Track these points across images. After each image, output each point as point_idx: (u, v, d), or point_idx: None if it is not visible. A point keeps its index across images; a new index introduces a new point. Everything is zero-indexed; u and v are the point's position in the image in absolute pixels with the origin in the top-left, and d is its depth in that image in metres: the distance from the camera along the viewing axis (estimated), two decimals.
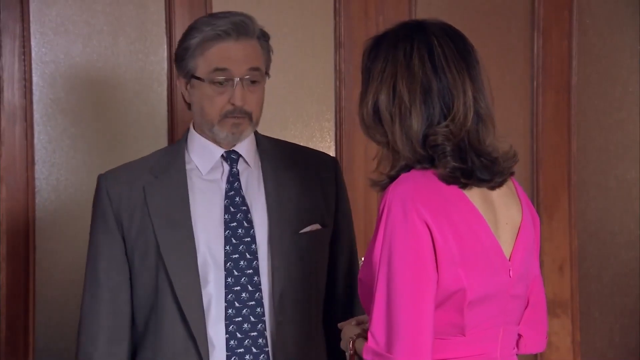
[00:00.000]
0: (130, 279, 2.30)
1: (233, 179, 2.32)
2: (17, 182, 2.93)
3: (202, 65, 2.27)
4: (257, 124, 2.33)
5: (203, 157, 2.33)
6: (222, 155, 2.33)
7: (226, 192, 2.31)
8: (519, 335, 1.99)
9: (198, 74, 2.28)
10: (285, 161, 2.38)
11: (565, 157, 3.41)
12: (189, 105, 2.36)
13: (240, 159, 2.34)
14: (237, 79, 2.25)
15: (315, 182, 2.39)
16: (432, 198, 1.81)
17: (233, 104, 2.26)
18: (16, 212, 2.93)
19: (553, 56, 3.39)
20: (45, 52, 2.97)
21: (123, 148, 3.01)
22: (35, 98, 2.95)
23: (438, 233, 1.79)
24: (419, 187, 1.82)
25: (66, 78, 2.98)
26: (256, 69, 2.28)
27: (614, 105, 3.48)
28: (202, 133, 2.33)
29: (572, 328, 3.42)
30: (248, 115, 2.29)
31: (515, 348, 1.98)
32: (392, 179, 1.86)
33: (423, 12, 3.21)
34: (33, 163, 2.95)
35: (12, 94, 2.93)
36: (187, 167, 2.33)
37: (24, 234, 2.94)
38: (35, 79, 2.96)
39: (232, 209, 2.30)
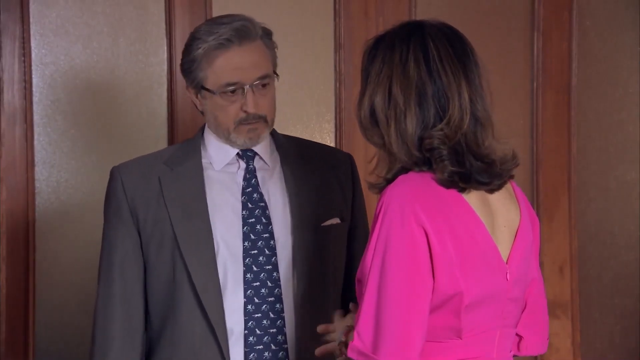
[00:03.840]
0: (145, 272, 2.30)
1: (250, 175, 2.32)
2: (17, 183, 2.94)
3: (211, 77, 2.27)
4: (272, 124, 2.33)
5: (219, 154, 2.33)
6: (238, 153, 2.33)
7: (243, 189, 2.31)
8: (520, 337, 1.99)
9: (207, 86, 2.27)
10: (303, 157, 2.38)
11: (565, 158, 3.41)
12: (202, 112, 2.36)
13: (257, 157, 2.34)
14: (247, 87, 2.25)
15: (333, 177, 2.40)
16: (429, 201, 1.81)
17: (246, 112, 2.26)
18: (16, 213, 2.93)
19: (553, 57, 3.38)
20: (45, 53, 2.97)
21: (123, 149, 3.01)
22: (35, 99, 2.96)
23: (435, 236, 1.79)
24: (417, 190, 1.82)
25: (66, 79, 2.98)
26: (265, 76, 2.28)
27: (614, 106, 3.47)
28: (217, 135, 2.34)
29: (572, 329, 3.42)
30: (262, 119, 2.29)
31: (513, 350, 1.98)
32: (389, 181, 1.85)
33: (423, 13, 3.21)
34: (33, 164, 2.95)
35: (12, 96, 2.93)
36: (203, 160, 2.33)
37: (23, 235, 2.94)
38: (35, 80, 2.96)
39: (250, 205, 2.30)
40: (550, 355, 3.39)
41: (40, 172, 2.97)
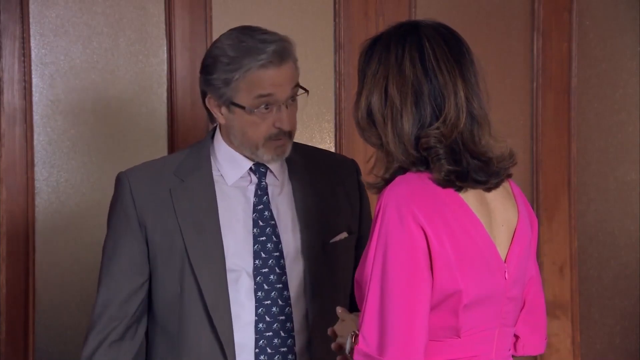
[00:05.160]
0: (150, 282, 2.27)
1: (262, 192, 2.30)
2: (16, 183, 2.94)
3: (244, 95, 2.21)
4: (293, 137, 2.31)
5: (231, 167, 2.29)
6: (251, 168, 2.30)
7: (254, 206, 2.28)
8: (517, 337, 1.99)
9: (240, 102, 2.22)
10: (310, 169, 2.35)
11: (565, 159, 3.41)
12: (211, 119, 2.31)
13: (268, 172, 2.31)
14: (282, 104, 2.22)
15: (340, 189, 2.37)
16: (427, 201, 1.81)
17: (278, 128, 2.23)
18: (16, 213, 2.93)
19: (553, 58, 3.38)
20: (45, 53, 2.98)
21: (123, 149, 3.01)
22: (35, 99, 2.96)
23: (433, 236, 1.79)
24: (414, 190, 1.82)
25: (66, 79, 2.99)
26: (296, 85, 2.26)
27: (614, 107, 3.48)
28: (231, 145, 2.29)
29: (572, 330, 3.42)
30: (289, 134, 2.26)
31: (511, 349, 1.98)
32: (387, 181, 1.86)
33: (423, 14, 3.21)
34: (33, 164, 2.95)
35: (12, 96, 2.94)
36: (214, 172, 2.29)
37: (23, 235, 2.94)
38: (35, 80, 2.96)
39: (260, 223, 2.27)
40: (550, 355, 3.39)
41: (40, 172, 2.97)
